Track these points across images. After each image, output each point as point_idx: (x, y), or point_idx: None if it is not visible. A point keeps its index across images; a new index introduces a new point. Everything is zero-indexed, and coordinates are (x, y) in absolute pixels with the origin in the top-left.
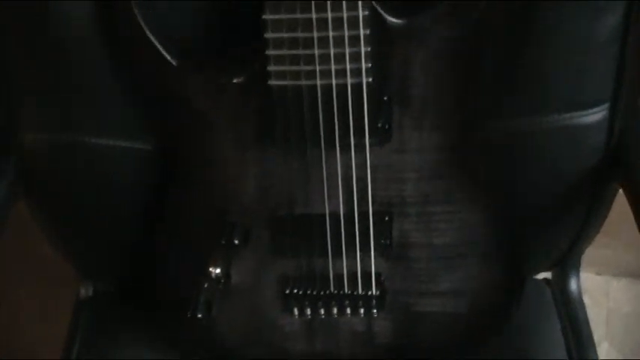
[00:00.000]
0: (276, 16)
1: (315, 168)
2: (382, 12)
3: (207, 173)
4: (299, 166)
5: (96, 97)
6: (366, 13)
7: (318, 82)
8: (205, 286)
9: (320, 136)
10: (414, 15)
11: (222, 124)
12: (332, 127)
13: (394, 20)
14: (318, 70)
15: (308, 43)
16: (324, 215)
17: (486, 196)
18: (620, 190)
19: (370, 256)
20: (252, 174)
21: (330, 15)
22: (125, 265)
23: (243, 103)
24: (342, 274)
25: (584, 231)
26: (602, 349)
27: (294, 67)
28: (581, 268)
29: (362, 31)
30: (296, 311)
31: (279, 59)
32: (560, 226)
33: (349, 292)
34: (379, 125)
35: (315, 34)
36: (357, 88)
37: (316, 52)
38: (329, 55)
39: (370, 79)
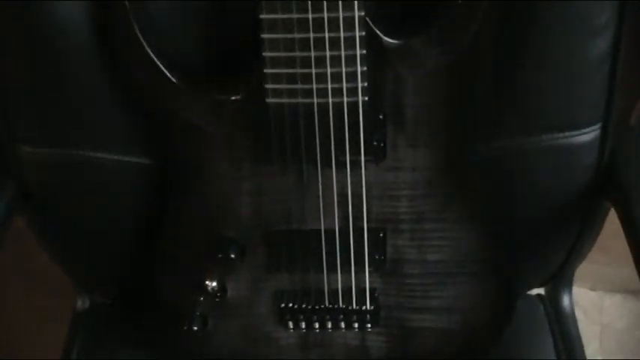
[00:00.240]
0: (274, 35)
1: (311, 185)
2: (379, 33)
3: (204, 188)
4: (295, 183)
5: (94, 112)
6: (363, 33)
7: (315, 101)
8: (201, 299)
9: (316, 153)
10: (409, 37)
11: (219, 141)
12: (328, 145)
13: (390, 41)
14: (315, 88)
15: (305, 62)
16: (320, 231)
17: (479, 214)
18: None
19: (364, 272)
20: (248, 190)
21: (327, 35)
22: (122, 278)
23: (241, 120)
24: (337, 289)
25: (577, 248)
26: None
27: (292, 86)
28: (575, 284)
29: (359, 51)
30: (291, 325)
31: (277, 77)
32: (553, 244)
33: (344, 306)
34: (374, 143)
35: (313, 53)
36: (353, 106)
37: (313, 71)
38: (326, 74)
39: (366, 98)
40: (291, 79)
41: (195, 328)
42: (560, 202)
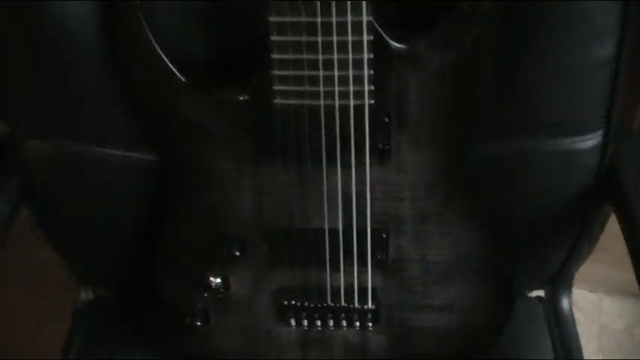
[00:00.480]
0: (283, 38)
1: (315, 184)
2: (386, 37)
3: (206, 188)
4: (299, 182)
5: (98, 108)
6: (371, 37)
7: (322, 103)
8: (204, 295)
9: (321, 154)
10: (414, 40)
11: (223, 139)
12: (333, 146)
13: (397, 45)
14: (322, 91)
15: (313, 65)
16: (323, 230)
17: (480, 215)
18: None
19: (367, 271)
20: (252, 189)
21: (335, 38)
22: (125, 272)
23: (246, 120)
24: (339, 288)
25: (577, 251)
26: None
27: (299, 88)
28: (574, 285)
29: (366, 55)
30: (293, 322)
31: (284, 79)
32: (553, 246)
33: (345, 305)
34: (379, 145)
35: (320, 57)
36: (359, 109)
37: (321, 73)
38: (333, 77)
39: (372, 101)
40: (299, 81)
41: (198, 322)
42: (561, 204)
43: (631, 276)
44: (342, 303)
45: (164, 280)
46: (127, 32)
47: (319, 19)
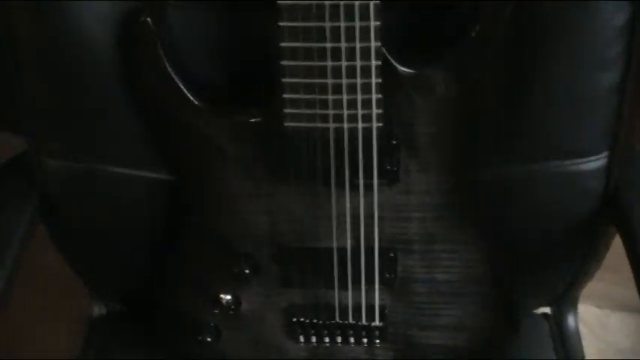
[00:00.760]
0: (294, 63)
1: (325, 205)
2: (394, 62)
3: (220, 204)
4: (309, 203)
5: (113, 127)
6: (380, 62)
7: (331, 126)
8: (216, 311)
9: (330, 175)
10: (423, 66)
11: (236, 160)
12: (342, 168)
13: (405, 70)
14: (331, 114)
15: (323, 89)
16: (332, 249)
17: (487, 236)
18: None
19: (374, 289)
20: (263, 209)
21: (344, 63)
22: (137, 287)
23: (258, 142)
24: (347, 305)
25: (582, 271)
26: None
27: (309, 111)
28: (581, 301)
29: (374, 80)
30: (301, 338)
31: (295, 102)
32: (559, 267)
33: (353, 322)
34: (387, 167)
35: (330, 80)
36: (368, 132)
37: (330, 97)
38: (342, 100)
39: (380, 124)
40: (309, 104)
41: (209, 338)
42: (567, 226)
43: (637, 293)
44: (350, 320)
45: (176, 297)
46: (143, 57)
47: (329, 45)
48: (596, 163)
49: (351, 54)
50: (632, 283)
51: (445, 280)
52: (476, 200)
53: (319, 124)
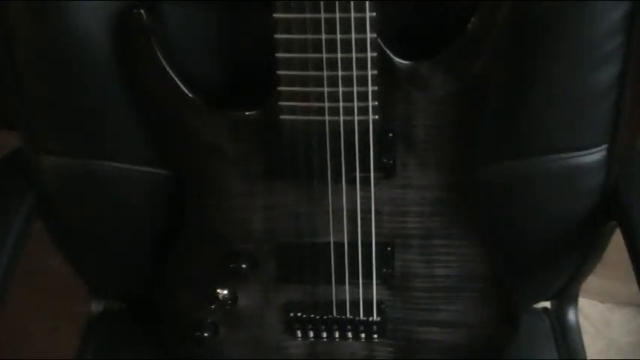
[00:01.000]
0: (288, 55)
1: (322, 200)
2: (390, 54)
3: (217, 201)
4: (306, 198)
5: (112, 123)
6: (375, 54)
7: (327, 119)
8: (213, 307)
9: (327, 169)
10: (420, 58)
11: (232, 156)
12: (338, 161)
13: (401, 62)
14: (327, 107)
15: (318, 81)
16: (329, 244)
17: (486, 232)
18: None
19: (372, 284)
20: (260, 204)
21: (340, 55)
22: (136, 285)
23: (255, 137)
24: (345, 300)
25: (582, 266)
26: None
27: (305, 104)
28: (584, 296)
29: (370, 72)
30: (299, 334)
31: (291, 95)
32: (559, 263)
33: (351, 317)
34: (384, 161)
35: (325, 73)
36: (364, 124)
37: (325, 89)
38: (338, 93)
39: (376, 117)
40: (305, 97)
41: (207, 334)
42: (567, 221)
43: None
44: (348, 315)
45: (175, 294)
46: (139, 51)
47: (324, 36)
48: (595, 156)
49: (346, 45)
50: (634, 278)
51: (443, 276)
52: (474, 195)
53: (315, 117)
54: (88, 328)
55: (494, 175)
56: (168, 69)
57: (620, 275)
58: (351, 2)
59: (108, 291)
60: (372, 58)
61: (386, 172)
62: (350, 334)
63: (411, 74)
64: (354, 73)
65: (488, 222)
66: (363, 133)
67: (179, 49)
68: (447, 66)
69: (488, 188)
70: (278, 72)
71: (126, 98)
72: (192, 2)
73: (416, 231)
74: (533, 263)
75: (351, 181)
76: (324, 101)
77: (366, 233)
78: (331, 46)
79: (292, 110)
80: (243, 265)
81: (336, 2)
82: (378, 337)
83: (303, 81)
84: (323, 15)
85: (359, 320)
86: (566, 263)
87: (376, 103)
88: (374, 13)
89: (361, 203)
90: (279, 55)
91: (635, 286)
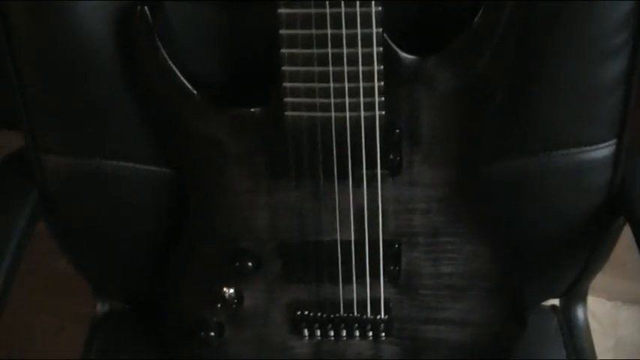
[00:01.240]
0: (293, 50)
1: (327, 197)
2: (396, 49)
3: (221, 200)
4: (311, 196)
5: (116, 122)
6: (381, 49)
7: (333, 115)
8: (218, 307)
9: (333, 166)
10: (426, 54)
11: (236, 154)
12: (344, 158)
13: (407, 57)
14: (332, 103)
15: (323, 77)
16: (336, 243)
17: (492, 229)
18: None
19: (379, 283)
20: (265, 202)
21: (345, 50)
22: (139, 285)
23: (259, 134)
24: (352, 299)
25: (591, 263)
26: None
27: (310, 100)
28: (591, 294)
29: (376, 67)
30: (306, 333)
31: (295, 91)
32: (567, 260)
33: (358, 315)
34: (390, 157)
35: (331, 68)
36: (370, 120)
37: (331, 85)
38: (344, 88)
39: (383, 113)
40: (310, 93)
41: (212, 334)
42: (574, 218)
43: None
44: (355, 314)
45: (179, 294)
46: (142, 51)
47: (329, 31)
48: (603, 151)
49: (352, 40)
50: None
51: (450, 273)
52: (480, 192)
53: (320, 114)
54: (92, 329)
55: (501, 172)
56: (171, 66)
57: (628, 273)
58: None
59: (111, 291)
60: (378, 53)
61: (392, 169)
62: (357, 333)
63: (417, 69)
64: (360, 68)
65: (495, 219)
66: (370, 129)
67: (182, 46)
68: (453, 61)
69: (495, 185)
70: (282, 68)
71: (128, 96)
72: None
73: (422, 228)
74: (540, 260)
75: (357, 179)
76: (329, 97)
77: (373, 231)
78: (337, 41)
79: (297, 107)
80: (249, 264)
81: None
82: (385, 336)
83: (308, 77)
84: (328, 10)
85: (366, 319)
86: (574, 260)
87: (382, 98)
88: (379, 8)
89: (367, 201)
90: (283, 50)
91: None
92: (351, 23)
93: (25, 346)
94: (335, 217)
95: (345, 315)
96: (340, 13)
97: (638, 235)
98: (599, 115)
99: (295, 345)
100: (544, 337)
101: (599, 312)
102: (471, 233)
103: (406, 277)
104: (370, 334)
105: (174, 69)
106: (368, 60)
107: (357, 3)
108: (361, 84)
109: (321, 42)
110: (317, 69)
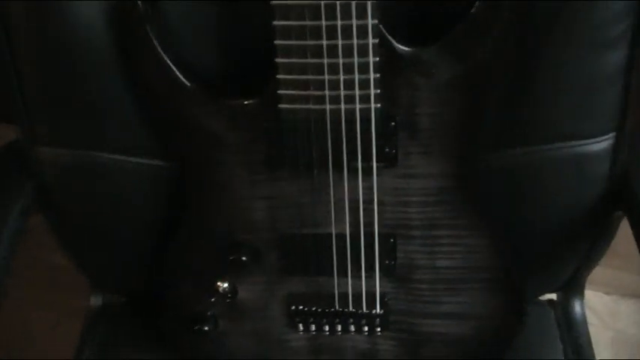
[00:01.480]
0: (287, 42)
1: (323, 190)
2: (392, 40)
3: (217, 193)
4: (307, 188)
5: (111, 114)
6: (377, 41)
7: (328, 107)
8: (213, 300)
9: (328, 159)
10: (422, 45)
11: (232, 145)
12: (340, 151)
13: (403, 48)
14: (327, 95)
15: (318, 69)
16: (331, 236)
17: (491, 222)
18: None
19: (375, 276)
20: (260, 195)
21: (340, 42)
22: (137, 278)
23: (254, 126)
24: (347, 293)
25: (589, 257)
26: None
27: (304, 92)
28: (589, 287)
29: (371, 59)
30: (301, 327)
31: (290, 83)
32: (565, 253)
33: (353, 310)
34: (386, 150)
35: (326, 60)
36: (366, 113)
37: (326, 77)
38: (339, 80)
39: (378, 105)
40: (304, 85)
41: (207, 328)
42: (573, 210)
43: None
44: (351, 308)
45: (175, 286)
46: (137, 44)
47: (324, 23)
48: (603, 144)
49: (347, 32)
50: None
51: (447, 267)
52: (478, 185)
53: (315, 106)
54: (88, 323)
55: (499, 164)
56: (165, 59)
57: (626, 266)
58: None
59: (108, 284)
60: (373, 44)
61: (388, 161)
62: (352, 327)
63: (413, 61)
64: (355, 60)
65: (494, 212)
66: (365, 121)
67: (177, 38)
68: (449, 52)
69: (493, 177)
70: (277, 60)
71: (125, 89)
72: None
73: (419, 221)
74: (539, 253)
75: (353, 171)
76: (324, 89)
77: (368, 224)
78: (331, 32)
79: (291, 99)
80: (244, 257)
81: None
82: (381, 330)
83: (303, 69)
84: (323, 1)
85: (361, 313)
86: (573, 253)
87: (378, 91)
88: None
89: (363, 193)
90: (277, 42)
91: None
92: (346, 14)
93: (24, 343)
94: (330, 209)
95: (340, 310)
96: (335, 4)
97: (636, 227)
98: (598, 107)
99: (291, 338)
100: (541, 331)
101: (597, 305)
102: (468, 226)
103: (402, 271)
104: (365, 328)
105: (169, 62)
106: (363, 51)
107: None
108: (356, 76)
109: (316, 33)
110: (311, 61)
